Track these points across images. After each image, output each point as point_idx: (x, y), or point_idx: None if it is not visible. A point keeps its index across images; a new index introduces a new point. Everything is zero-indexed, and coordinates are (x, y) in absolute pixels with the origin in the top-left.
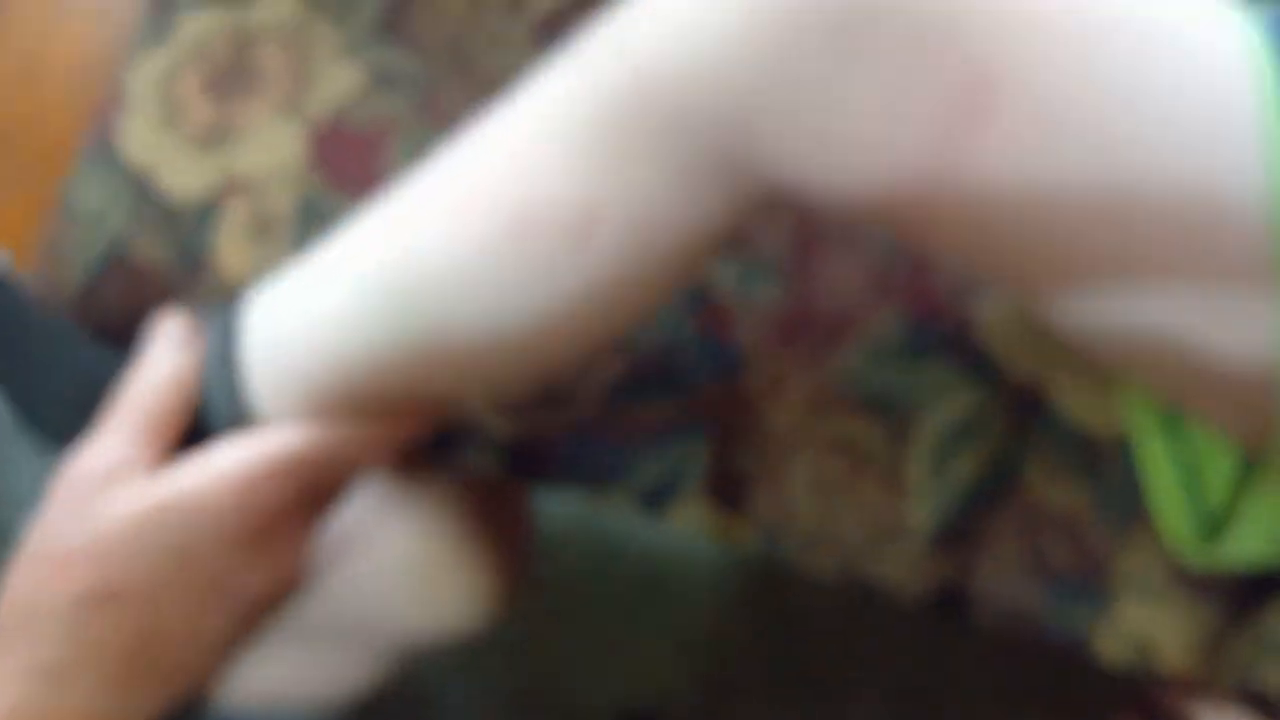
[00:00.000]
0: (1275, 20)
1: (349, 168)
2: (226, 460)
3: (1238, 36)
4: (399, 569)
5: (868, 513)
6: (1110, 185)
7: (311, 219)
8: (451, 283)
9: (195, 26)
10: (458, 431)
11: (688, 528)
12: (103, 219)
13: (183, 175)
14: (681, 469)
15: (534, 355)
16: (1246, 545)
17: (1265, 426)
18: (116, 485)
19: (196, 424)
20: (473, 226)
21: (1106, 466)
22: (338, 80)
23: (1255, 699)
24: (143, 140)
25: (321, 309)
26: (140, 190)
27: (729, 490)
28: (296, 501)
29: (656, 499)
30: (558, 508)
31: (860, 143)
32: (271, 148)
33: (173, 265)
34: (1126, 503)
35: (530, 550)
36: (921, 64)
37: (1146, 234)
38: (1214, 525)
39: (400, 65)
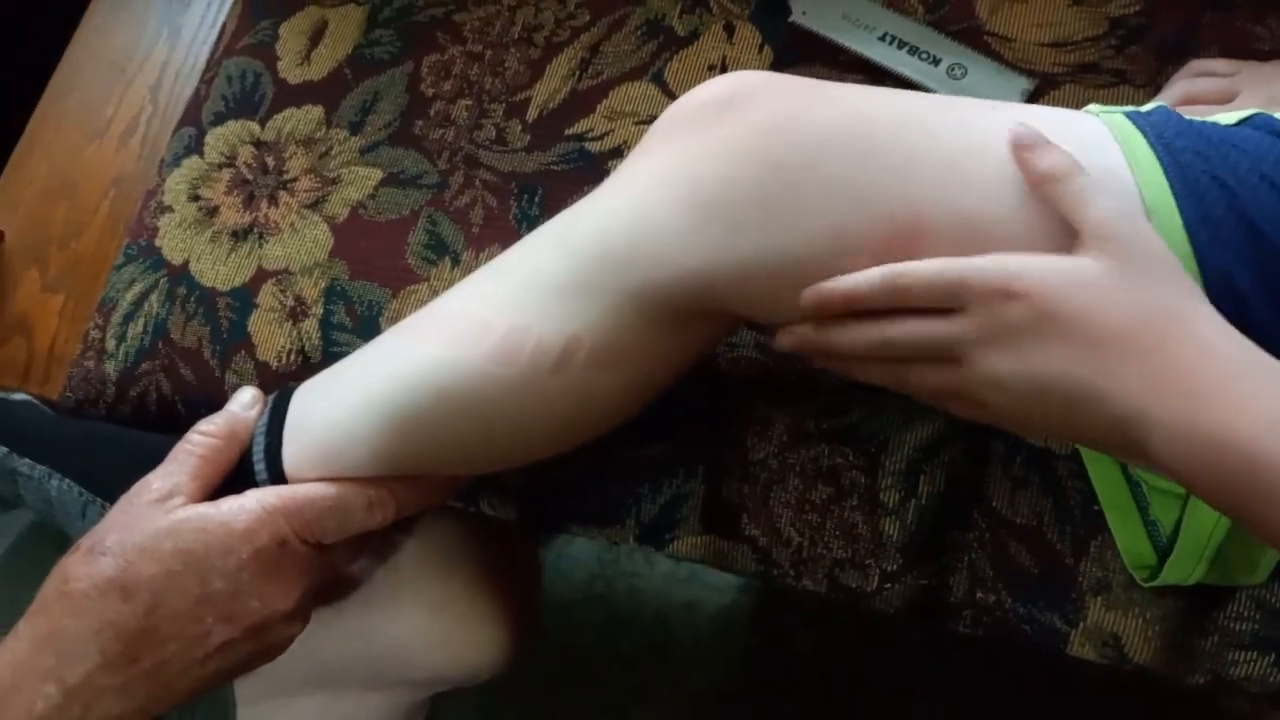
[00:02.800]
0: (1132, 111)
1: (368, 256)
2: (249, 499)
3: (1092, 119)
4: (418, 614)
5: (849, 532)
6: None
7: (336, 303)
8: (446, 396)
9: (225, 134)
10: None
11: (688, 557)
12: (144, 306)
13: (216, 266)
14: (679, 504)
15: (522, 450)
16: (1184, 567)
17: None
18: (163, 504)
19: (244, 474)
20: (468, 348)
21: (1065, 481)
22: (356, 180)
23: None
24: (178, 237)
25: (335, 408)
26: (178, 280)
27: (723, 520)
28: (300, 542)
29: (657, 534)
30: (571, 573)
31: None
32: (298, 241)
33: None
34: (1086, 514)
35: (539, 595)
36: (858, 210)
37: None
38: (1163, 550)
39: (411, 166)
